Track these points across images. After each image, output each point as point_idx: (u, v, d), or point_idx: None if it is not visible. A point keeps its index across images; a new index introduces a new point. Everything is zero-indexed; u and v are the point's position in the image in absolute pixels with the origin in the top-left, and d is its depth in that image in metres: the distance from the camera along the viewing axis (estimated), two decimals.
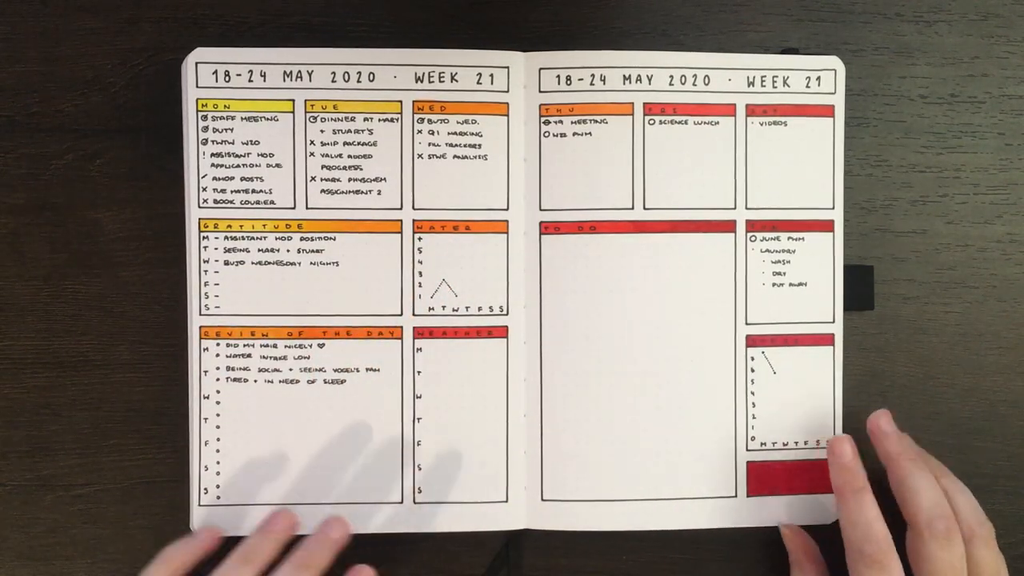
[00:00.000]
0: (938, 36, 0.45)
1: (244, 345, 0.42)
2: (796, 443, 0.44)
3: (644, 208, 0.43)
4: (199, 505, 0.42)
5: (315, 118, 0.42)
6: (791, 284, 0.44)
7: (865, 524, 0.38)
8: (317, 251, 0.42)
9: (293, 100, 0.42)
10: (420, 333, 0.43)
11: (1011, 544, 0.46)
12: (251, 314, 0.42)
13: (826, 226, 0.44)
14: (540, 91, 0.43)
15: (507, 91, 0.43)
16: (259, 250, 0.42)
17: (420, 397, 0.43)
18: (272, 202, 0.42)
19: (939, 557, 0.37)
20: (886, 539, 0.38)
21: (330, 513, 0.42)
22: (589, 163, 0.43)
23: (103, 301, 0.43)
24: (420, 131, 0.43)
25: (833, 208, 0.44)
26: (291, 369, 0.42)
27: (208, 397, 0.42)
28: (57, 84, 0.43)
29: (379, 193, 0.43)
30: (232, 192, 0.42)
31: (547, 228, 0.43)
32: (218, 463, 0.42)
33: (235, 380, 0.42)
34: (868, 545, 0.38)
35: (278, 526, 0.41)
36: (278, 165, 0.42)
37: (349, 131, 0.43)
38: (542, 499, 0.43)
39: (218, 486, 0.42)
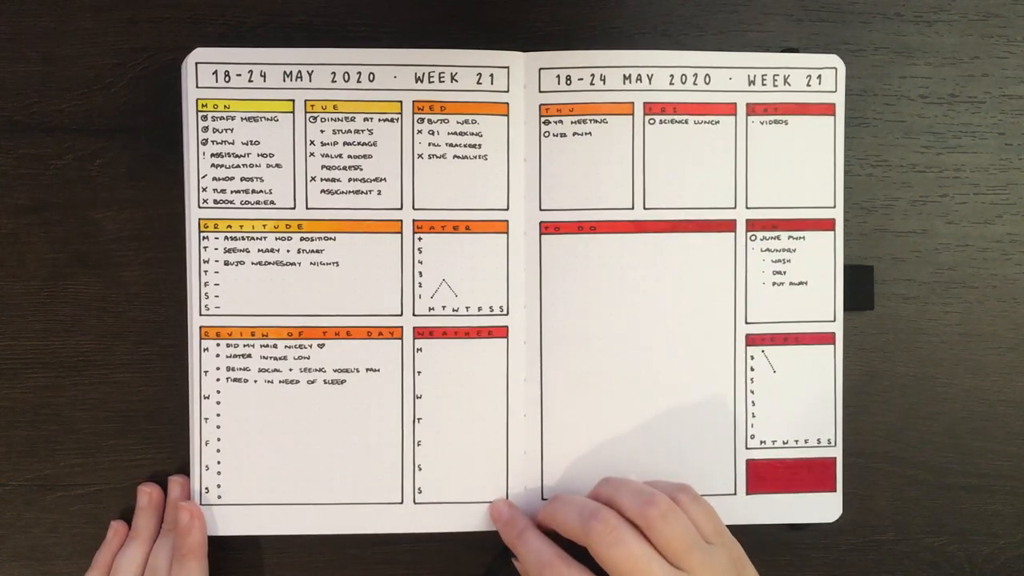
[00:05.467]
0: (938, 36, 0.45)
1: (244, 345, 0.42)
2: (796, 442, 0.44)
3: (644, 208, 0.43)
4: (200, 504, 0.42)
5: (315, 118, 0.42)
6: (791, 283, 0.44)
7: (535, 555, 0.38)
8: (317, 251, 0.42)
9: (293, 100, 0.42)
10: (420, 333, 0.43)
11: (1011, 544, 0.46)
12: (251, 314, 0.42)
13: (827, 225, 0.44)
14: (540, 91, 0.43)
15: (507, 91, 0.43)
16: (259, 250, 0.42)
17: (420, 397, 0.43)
18: (272, 202, 0.42)
19: (611, 556, 0.36)
20: (558, 555, 0.37)
21: (327, 513, 0.42)
22: (589, 163, 0.43)
23: (103, 301, 0.43)
24: (420, 131, 0.43)
25: (834, 207, 0.44)
26: (291, 369, 0.42)
27: (208, 397, 0.42)
28: (57, 84, 0.43)
29: (379, 193, 0.43)
30: (232, 192, 0.42)
31: (547, 228, 0.43)
32: (218, 463, 0.42)
33: (235, 380, 0.42)
34: (546, 570, 0.37)
35: (150, 502, 0.43)
36: (278, 165, 0.42)
37: (349, 131, 0.43)
38: (542, 499, 0.43)
39: (219, 486, 0.42)
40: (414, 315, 0.43)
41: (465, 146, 0.43)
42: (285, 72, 0.42)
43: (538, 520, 0.41)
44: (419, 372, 0.43)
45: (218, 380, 0.42)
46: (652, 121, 0.43)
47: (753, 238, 0.44)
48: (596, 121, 0.43)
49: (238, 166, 0.42)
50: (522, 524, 0.40)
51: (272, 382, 0.42)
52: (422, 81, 0.43)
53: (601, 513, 0.37)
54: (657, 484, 0.40)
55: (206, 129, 0.42)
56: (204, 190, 0.42)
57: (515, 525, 0.41)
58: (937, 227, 0.46)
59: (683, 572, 0.36)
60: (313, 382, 0.43)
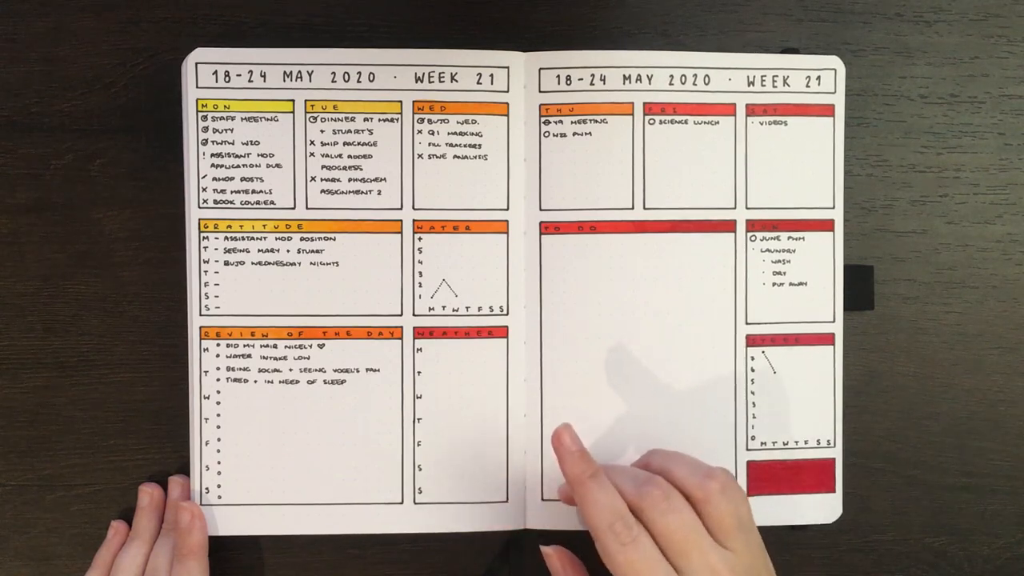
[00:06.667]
0: (938, 36, 0.45)
1: (244, 345, 0.42)
2: (796, 442, 0.44)
3: (644, 208, 0.43)
4: (200, 504, 0.42)
5: (315, 118, 0.42)
6: (791, 284, 0.44)
7: (610, 504, 0.36)
8: (317, 251, 0.42)
9: (293, 100, 0.42)
10: (420, 333, 0.43)
11: (1011, 544, 0.46)
12: (251, 314, 0.42)
13: (826, 225, 0.44)
14: (540, 91, 0.43)
15: (507, 91, 0.43)
16: (259, 250, 0.42)
17: (420, 397, 0.43)
18: (272, 202, 0.42)
19: (621, 559, 0.35)
20: (631, 516, 0.36)
21: (327, 513, 0.42)
22: (589, 163, 0.43)
23: (103, 301, 0.43)
24: (420, 131, 0.43)
25: (833, 207, 0.44)
26: (291, 369, 0.42)
27: (208, 397, 0.42)
28: (57, 84, 0.43)
29: (379, 193, 0.43)
30: (232, 192, 0.42)
31: (547, 228, 0.43)
32: (219, 463, 0.42)
33: (235, 380, 0.42)
34: (618, 523, 0.36)
35: (151, 502, 0.43)
36: (278, 165, 0.42)
37: (349, 131, 0.43)
38: (542, 499, 0.43)
39: (219, 486, 0.42)
40: (414, 315, 0.43)
41: (465, 146, 0.43)
42: (285, 72, 0.42)
43: (569, 478, 0.39)
44: (419, 372, 0.43)
45: (218, 380, 0.42)
46: (652, 121, 0.43)
47: (753, 238, 0.44)
48: (596, 121, 0.43)
49: (238, 166, 0.42)
50: (594, 466, 0.38)
51: (272, 382, 0.42)
52: (422, 81, 0.43)
53: (656, 479, 0.37)
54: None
55: (206, 129, 0.42)
56: (204, 190, 0.42)
57: (589, 463, 0.38)
58: (937, 227, 0.46)
59: (727, 550, 0.36)
60: (313, 382, 0.43)
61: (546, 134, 0.43)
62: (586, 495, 0.37)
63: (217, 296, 0.42)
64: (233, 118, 0.42)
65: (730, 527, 0.36)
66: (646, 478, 0.37)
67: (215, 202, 0.42)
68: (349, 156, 0.43)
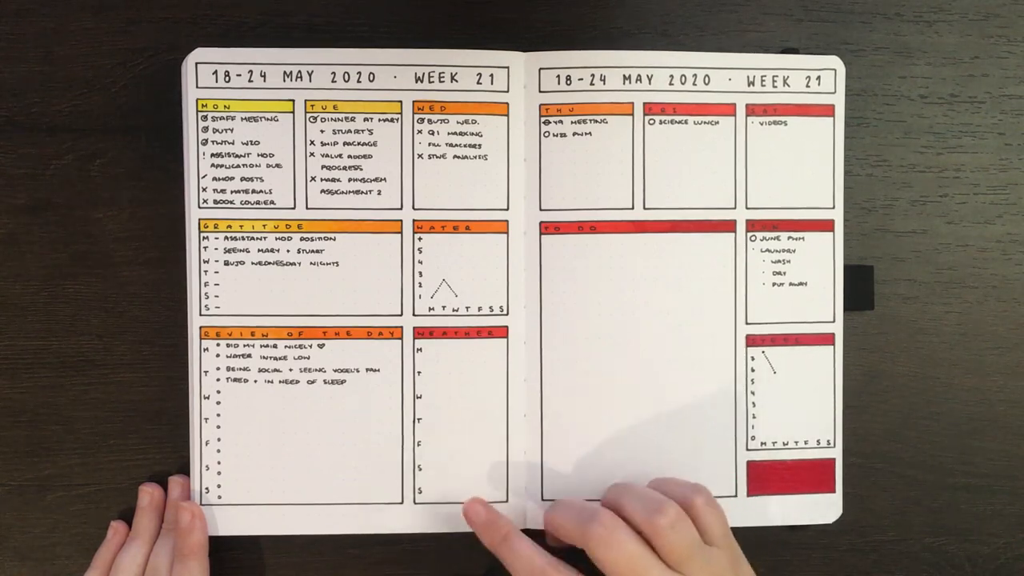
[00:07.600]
0: (938, 36, 0.45)
1: (244, 345, 0.42)
2: (796, 443, 0.44)
3: (644, 208, 0.43)
4: (200, 504, 0.42)
5: (315, 118, 0.42)
6: (791, 284, 0.44)
7: (526, 562, 0.38)
8: (317, 251, 0.42)
9: (293, 100, 0.42)
10: (420, 333, 0.43)
11: (1011, 544, 0.46)
12: (251, 314, 0.42)
13: (826, 226, 0.44)
14: (540, 91, 0.43)
15: (507, 91, 0.43)
16: (259, 250, 0.42)
17: (420, 397, 0.43)
18: (272, 202, 0.42)
19: (609, 559, 0.36)
20: (551, 564, 0.37)
21: (327, 513, 0.42)
22: (589, 163, 0.43)
23: (103, 301, 0.43)
24: (420, 131, 0.43)
25: (833, 207, 0.44)
26: (291, 369, 0.42)
27: (208, 397, 0.42)
28: (57, 84, 0.43)
29: (379, 193, 0.43)
30: (232, 192, 0.42)
31: (547, 228, 0.43)
32: (219, 463, 0.42)
33: (235, 380, 0.42)
34: None
35: (151, 502, 0.43)
36: (278, 165, 0.42)
37: (349, 131, 0.43)
38: (542, 499, 0.43)
39: (219, 486, 0.42)
40: (414, 315, 0.43)
41: (465, 146, 0.43)
42: (285, 72, 0.42)
43: (543, 525, 0.40)
44: (419, 372, 0.43)
45: (218, 380, 0.42)
46: (652, 121, 0.43)
47: (753, 238, 0.44)
48: (596, 121, 0.43)
49: (238, 166, 0.42)
50: (505, 527, 0.40)
51: (272, 382, 0.43)
52: (422, 81, 0.43)
53: (599, 515, 0.37)
54: (673, 483, 0.40)
55: (206, 129, 0.42)
56: (204, 190, 0.42)
57: (497, 528, 0.40)
58: (937, 227, 0.46)
59: (681, 575, 0.36)
60: (313, 382, 0.43)
61: (546, 134, 0.43)
62: (505, 561, 0.39)
63: (217, 296, 0.42)
64: (233, 118, 0.42)
65: (683, 555, 0.36)
66: (590, 514, 0.37)
67: (215, 202, 0.42)
68: (349, 156, 0.43)
